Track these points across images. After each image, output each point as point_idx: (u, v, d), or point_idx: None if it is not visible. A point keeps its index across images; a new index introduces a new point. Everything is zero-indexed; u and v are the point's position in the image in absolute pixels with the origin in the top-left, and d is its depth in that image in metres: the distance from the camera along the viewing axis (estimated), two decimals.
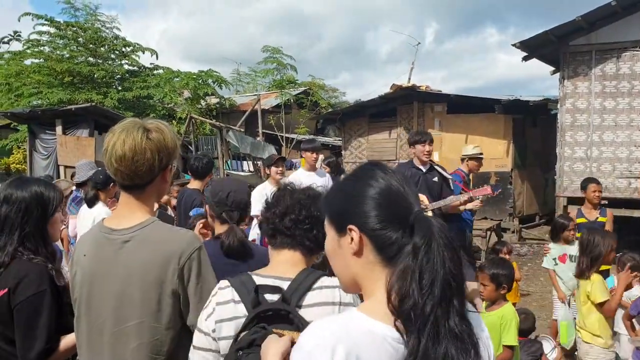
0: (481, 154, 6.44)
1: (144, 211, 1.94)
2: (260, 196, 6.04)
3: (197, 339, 1.69)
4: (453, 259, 1.09)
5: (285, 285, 1.68)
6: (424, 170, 5.77)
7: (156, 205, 6.09)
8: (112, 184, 4.94)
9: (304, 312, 1.61)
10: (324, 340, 1.06)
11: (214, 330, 1.64)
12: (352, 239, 1.18)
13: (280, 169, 6.15)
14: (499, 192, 6.34)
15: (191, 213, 4.79)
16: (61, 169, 14.81)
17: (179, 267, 1.83)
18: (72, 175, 8.84)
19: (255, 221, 5.96)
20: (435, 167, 5.92)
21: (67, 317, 2.12)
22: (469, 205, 5.70)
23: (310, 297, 1.66)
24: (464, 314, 1.08)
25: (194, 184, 5.47)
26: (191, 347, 1.70)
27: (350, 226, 1.18)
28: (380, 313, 1.10)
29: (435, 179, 5.79)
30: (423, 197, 5.64)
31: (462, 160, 6.46)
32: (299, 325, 1.50)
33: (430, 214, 5.52)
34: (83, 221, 5.02)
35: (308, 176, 6.20)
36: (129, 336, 1.83)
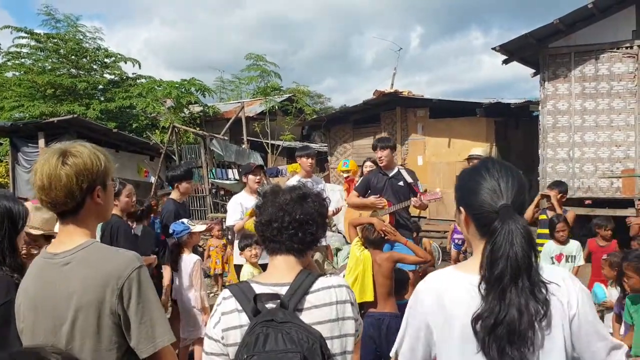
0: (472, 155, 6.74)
1: (82, 234, 1.92)
2: (235, 206, 6.00)
3: (208, 345, 1.77)
4: (522, 244, 1.46)
5: (283, 290, 1.75)
6: (390, 175, 5.91)
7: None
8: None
9: (304, 315, 1.71)
10: (423, 285, 1.68)
11: (222, 338, 1.73)
12: (462, 216, 1.67)
13: (259, 177, 6.05)
14: None
15: (172, 227, 4.76)
16: None
17: (117, 287, 1.81)
18: None
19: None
20: (402, 171, 6.02)
21: None
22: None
23: (309, 300, 1.74)
24: (532, 284, 1.47)
25: (172, 194, 5.72)
26: (203, 354, 1.78)
27: (460, 207, 1.68)
28: (472, 268, 1.58)
29: (401, 183, 5.89)
30: (384, 201, 5.70)
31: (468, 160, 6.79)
32: (296, 332, 1.60)
33: (387, 216, 5.54)
34: None
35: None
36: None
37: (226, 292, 1.80)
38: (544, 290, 1.48)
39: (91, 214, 1.96)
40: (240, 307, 1.73)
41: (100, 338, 1.81)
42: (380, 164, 5.98)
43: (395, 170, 5.97)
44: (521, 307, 1.44)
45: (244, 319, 1.71)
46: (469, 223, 1.64)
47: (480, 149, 6.82)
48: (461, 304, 1.55)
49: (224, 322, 1.74)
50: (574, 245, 5.69)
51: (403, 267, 5.44)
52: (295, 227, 1.84)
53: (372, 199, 5.81)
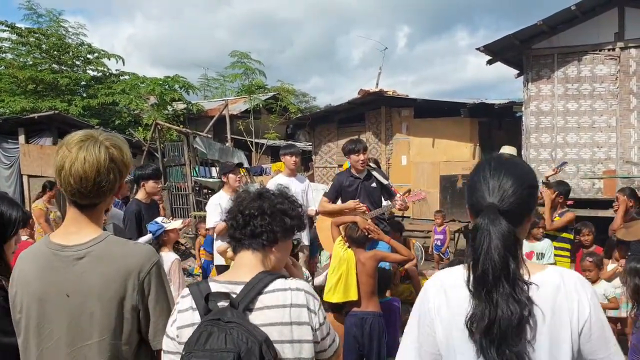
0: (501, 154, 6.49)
1: (94, 227, 1.88)
2: (213, 208, 5.90)
3: (166, 343, 1.76)
4: (497, 246, 1.45)
5: (238, 289, 1.74)
6: (362, 177, 5.78)
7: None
8: None
9: (254, 315, 1.69)
10: (431, 282, 1.67)
11: (177, 336, 1.73)
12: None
13: (239, 176, 5.97)
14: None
15: (148, 228, 4.67)
16: (24, 179, 14.49)
17: (138, 282, 1.81)
18: (44, 187, 8.56)
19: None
20: (373, 173, 5.90)
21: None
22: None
23: (261, 301, 1.72)
24: (512, 286, 1.44)
25: (138, 193, 5.48)
26: (162, 352, 1.78)
27: (467, 205, 1.69)
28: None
29: (374, 184, 5.79)
30: (362, 206, 5.57)
31: None
32: (237, 332, 1.58)
33: (369, 221, 5.42)
34: None
35: (288, 181, 6.06)
36: (89, 354, 1.79)
37: (185, 291, 1.80)
38: (524, 292, 1.46)
39: (105, 207, 1.95)
40: (194, 306, 1.74)
41: (120, 332, 1.82)
42: (359, 168, 5.77)
43: (366, 172, 5.84)
44: (507, 308, 1.43)
45: (197, 317, 1.71)
46: (472, 220, 1.66)
47: (509, 148, 6.67)
48: (465, 302, 1.53)
49: (180, 320, 1.75)
50: (545, 244, 5.72)
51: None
52: (246, 221, 1.85)
53: (351, 203, 5.53)
